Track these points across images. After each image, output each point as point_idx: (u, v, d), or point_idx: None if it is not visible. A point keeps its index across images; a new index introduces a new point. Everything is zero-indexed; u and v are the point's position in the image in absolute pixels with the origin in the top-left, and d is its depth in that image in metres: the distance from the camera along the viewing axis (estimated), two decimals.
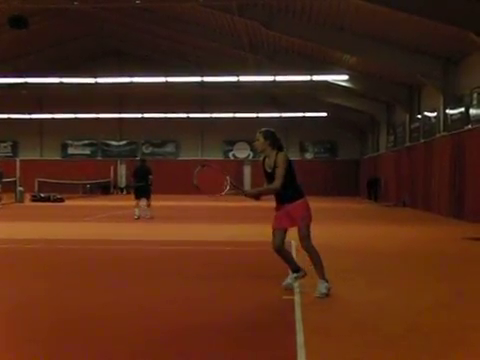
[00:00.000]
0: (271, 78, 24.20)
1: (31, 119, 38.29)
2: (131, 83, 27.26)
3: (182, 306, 5.75)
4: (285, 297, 6.02)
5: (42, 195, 28.61)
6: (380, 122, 32.13)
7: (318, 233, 13.29)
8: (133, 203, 17.40)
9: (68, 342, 4.53)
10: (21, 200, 26.94)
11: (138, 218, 16.64)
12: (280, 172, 6.08)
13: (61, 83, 27.29)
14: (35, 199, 28.14)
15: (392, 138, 28.91)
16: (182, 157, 40.81)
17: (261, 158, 6.43)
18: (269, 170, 6.20)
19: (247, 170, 40.48)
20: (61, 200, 27.96)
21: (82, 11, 26.14)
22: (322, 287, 6.07)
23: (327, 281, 6.13)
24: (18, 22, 19.71)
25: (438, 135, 20.45)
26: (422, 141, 22.85)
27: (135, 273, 7.78)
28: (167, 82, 26.17)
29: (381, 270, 8.22)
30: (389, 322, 5.18)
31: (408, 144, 25.24)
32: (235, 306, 5.72)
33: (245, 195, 6.28)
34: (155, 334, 4.72)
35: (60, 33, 31.79)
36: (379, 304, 5.92)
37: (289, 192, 6.18)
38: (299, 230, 6.21)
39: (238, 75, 24.58)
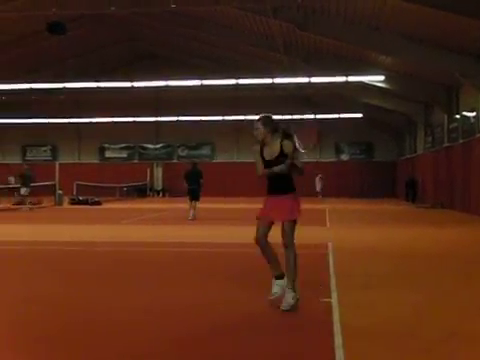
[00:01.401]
0: (306, 80, 24.09)
1: (69, 123, 39.00)
2: (167, 87, 27.49)
3: (220, 307, 5.76)
4: (322, 299, 5.98)
5: (80, 198, 29.08)
6: (417, 123, 31.67)
7: (355, 236, 13.25)
8: (186, 205, 18.20)
9: (94, 343, 4.59)
10: (60, 203, 27.44)
11: (192, 219, 17.14)
12: (297, 154, 5.74)
13: (98, 88, 27.71)
14: (73, 202, 28.63)
15: (430, 139, 28.47)
16: (217, 159, 40.97)
17: (256, 147, 5.95)
18: (269, 158, 5.79)
19: None
20: (98, 203, 28.38)
21: (118, 16, 26.51)
22: (289, 297, 5.56)
23: (295, 291, 5.61)
24: (56, 28, 20.08)
25: (477, 135, 20.06)
26: (461, 141, 22.44)
27: (171, 275, 7.83)
28: (202, 85, 26.30)
29: (420, 273, 8.09)
30: (429, 326, 5.10)
31: (446, 145, 24.81)
32: (272, 308, 5.70)
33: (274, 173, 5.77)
34: (200, 331, 4.74)
35: (97, 38, 32.30)
36: (418, 308, 5.83)
37: (285, 182, 5.81)
38: (284, 224, 5.72)
39: (273, 77, 24.55)
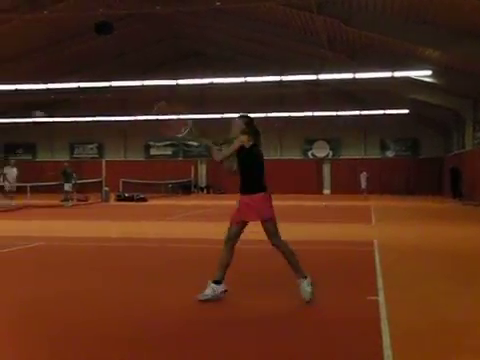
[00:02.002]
0: (351, 75, 23.82)
1: (115, 121, 39.60)
2: (211, 84, 27.61)
3: (264, 302, 5.77)
4: (369, 297, 5.91)
5: (126, 195, 29.53)
6: (465, 118, 30.92)
7: (401, 234, 13.05)
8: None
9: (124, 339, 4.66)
10: (107, 199, 27.94)
11: None
12: (232, 146, 5.98)
13: (143, 86, 28.04)
14: (119, 199, 29.08)
15: (478, 135, 27.78)
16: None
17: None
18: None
19: (326, 169, 40.12)
20: (144, 199, 28.75)
21: (163, 15, 26.76)
22: (305, 286, 5.69)
23: (306, 277, 5.72)
24: (104, 28, 20.43)
25: None
26: None
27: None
28: (246, 82, 26.30)
29: (469, 271, 7.91)
30: (479, 326, 4.99)
31: None
32: (322, 305, 5.67)
33: (207, 145, 6.43)
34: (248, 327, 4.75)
35: (142, 37, 32.70)
36: (469, 306, 5.70)
37: (248, 182, 5.88)
38: (264, 227, 5.86)
39: (317, 73, 24.36)
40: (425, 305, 5.76)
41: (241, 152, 5.89)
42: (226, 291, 5.84)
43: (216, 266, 5.89)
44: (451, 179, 31.03)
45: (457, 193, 30.08)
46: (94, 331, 4.83)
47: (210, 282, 5.80)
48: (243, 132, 5.94)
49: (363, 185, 35.30)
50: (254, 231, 6.42)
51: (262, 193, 5.82)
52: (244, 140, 5.86)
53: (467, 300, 6.00)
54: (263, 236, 5.99)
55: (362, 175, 35.75)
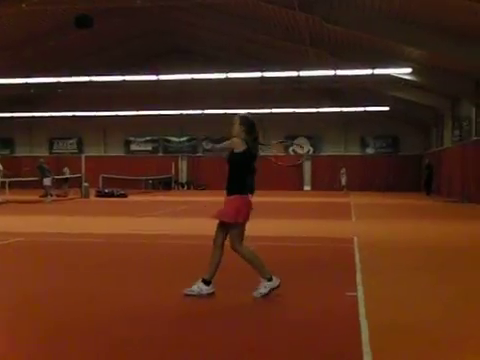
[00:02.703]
0: (332, 72, 23.92)
1: (95, 117, 39.32)
2: (192, 80, 27.53)
3: (243, 301, 5.77)
4: (348, 293, 5.94)
5: (106, 190, 29.34)
6: (444, 116, 31.25)
7: (381, 230, 13.15)
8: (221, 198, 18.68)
9: (93, 334, 4.64)
10: (86, 195, 27.74)
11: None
12: (225, 143, 6.09)
13: (124, 81, 27.86)
14: (99, 194, 28.90)
15: (457, 132, 28.07)
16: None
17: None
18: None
19: (307, 165, 40.25)
20: (124, 195, 28.60)
21: (144, 9, 26.57)
22: (262, 287, 5.76)
23: (270, 279, 5.75)
24: (84, 22, 20.22)
25: None
26: None
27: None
28: (227, 78, 26.27)
29: (448, 267, 8.00)
30: (457, 320, 5.05)
31: (474, 138, 24.44)
32: (300, 300, 5.69)
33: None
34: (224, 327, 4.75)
35: (123, 32, 32.45)
36: (448, 302, 5.76)
37: (229, 184, 5.93)
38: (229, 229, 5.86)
39: (298, 70, 24.41)
40: (403, 301, 5.80)
41: (231, 154, 5.96)
42: (213, 293, 5.81)
43: (207, 264, 5.88)
44: (427, 175, 31.40)
45: (430, 190, 30.45)
46: (73, 329, 4.79)
47: (200, 280, 5.83)
48: (238, 135, 5.99)
49: (343, 181, 35.52)
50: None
51: (238, 195, 5.85)
52: (236, 144, 5.92)
53: (445, 295, 6.07)
54: (262, 232, 5.97)
55: (341, 172, 35.97)
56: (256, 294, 5.73)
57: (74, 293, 6.08)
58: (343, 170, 36.04)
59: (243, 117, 6.11)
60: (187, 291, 5.80)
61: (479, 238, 11.77)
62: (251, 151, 5.94)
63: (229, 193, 5.88)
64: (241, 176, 5.94)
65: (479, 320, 5.06)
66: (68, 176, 30.06)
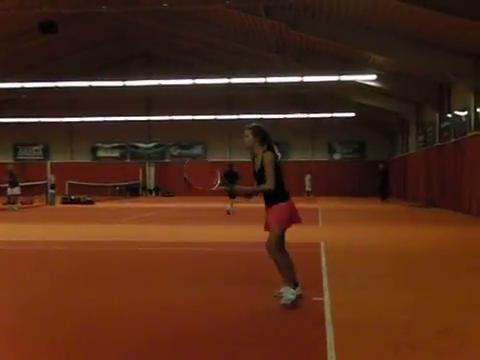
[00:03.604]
0: (298, 79, 24.11)
1: (61, 122, 38.84)
2: (159, 86, 27.43)
3: (216, 307, 5.76)
4: (315, 298, 5.99)
5: (72, 197, 29.00)
6: (409, 122, 31.78)
7: (347, 235, 13.28)
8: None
9: (65, 345, 4.59)
10: (52, 202, 27.35)
11: (233, 213, 18.91)
12: (270, 172, 5.70)
13: (90, 87, 27.61)
14: (66, 201, 28.54)
15: (422, 138, 28.57)
16: (210, 159, 40.90)
17: (251, 157, 6.04)
18: (256, 169, 5.87)
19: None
20: (91, 202, 28.30)
21: (111, 15, 26.41)
22: (288, 292, 5.69)
23: (293, 288, 5.72)
24: (48, 27, 20.00)
25: (469, 134, 20.14)
26: (452, 140, 22.53)
27: (163, 275, 7.83)
28: (194, 84, 26.26)
29: (413, 272, 8.12)
30: (420, 324, 5.13)
31: (438, 144, 24.90)
32: (264, 306, 5.71)
33: (235, 192, 6.12)
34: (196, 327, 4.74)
35: (89, 37, 32.18)
36: (410, 306, 5.85)
37: (272, 196, 5.79)
38: (269, 235, 5.79)
39: (265, 76, 24.54)
40: (369, 305, 5.87)
41: (263, 168, 5.82)
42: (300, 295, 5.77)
43: (281, 273, 5.84)
44: (381, 180, 31.88)
45: (385, 195, 30.96)
46: (40, 336, 4.71)
47: (286, 287, 5.74)
48: (252, 147, 5.89)
49: (307, 187, 35.73)
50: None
51: (281, 203, 5.79)
52: (271, 159, 5.75)
53: (408, 299, 6.16)
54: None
55: (306, 177, 36.17)
56: (284, 300, 5.64)
57: (44, 300, 5.99)
58: (308, 176, 36.26)
59: (255, 127, 5.96)
60: (285, 301, 5.64)
61: (442, 243, 11.98)
62: (277, 158, 5.86)
63: (272, 203, 5.78)
64: (282, 185, 5.83)
65: (441, 324, 5.15)
66: (50, 183, 29.59)
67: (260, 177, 5.77)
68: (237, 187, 6.12)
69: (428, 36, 18.87)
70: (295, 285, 5.77)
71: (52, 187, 28.38)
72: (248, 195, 6.24)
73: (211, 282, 7.07)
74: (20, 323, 5.19)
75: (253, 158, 5.94)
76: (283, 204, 5.76)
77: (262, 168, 5.74)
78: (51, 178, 30.36)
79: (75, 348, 4.43)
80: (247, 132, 5.89)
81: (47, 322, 5.22)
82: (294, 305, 5.63)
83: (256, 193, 6.01)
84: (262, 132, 5.90)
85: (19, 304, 5.92)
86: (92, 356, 4.25)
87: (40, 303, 5.94)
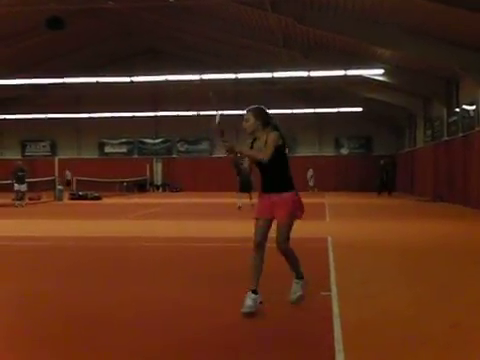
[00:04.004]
0: (305, 74, 24.04)
1: (69, 119, 38.93)
2: (166, 81, 27.43)
3: (222, 303, 5.76)
4: (323, 293, 5.99)
5: (80, 193, 29.08)
6: (417, 116, 31.64)
7: (355, 230, 13.26)
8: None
9: (75, 340, 4.60)
10: (60, 198, 27.45)
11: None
12: (270, 146, 5.21)
13: (97, 82, 27.65)
14: (73, 197, 28.62)
15: (429, 132, 28.45)
16: (216, 154, 40.91)
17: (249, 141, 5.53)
18: None
19: None
20: (98, 198, 28.37)
21: (117, 11, 26.42)
22: (298, 288, 5.54)
23: (303, 280, 5.59)
24: (55, 23, 20.06)
25: (477, 129, 20.04)
26: (460, 135, 22.42)
27: (169, 271, 7.84)
28: (201, 79, 26.24)
29: (419, 267, 8.09)
30: (429, 319, 5.11)
31: (446, 138, 24.79)
32: (272, 301, 5.71)
33: (227, 147, 5.31)
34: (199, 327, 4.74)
35: (96, 33, 32.23)
36: (419, 301, 5.83)
37: (277, 180, 5.34)
38: (279, 228, 5.31)
39: (272, 71, 24.49)
40: (376, 299, 5.86)
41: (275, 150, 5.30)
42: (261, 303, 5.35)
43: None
44: (381, 175, 31.89)
45: (389, 190, 31.03)
46: (38, 331, 4.73)
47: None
48: (255, 131, 5.40)
49: (310, 181, 35.63)
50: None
51: (292, 191, 5.38)
52: (275, 138, 5.28)
53: (416, 293, 6.14)
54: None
55: (308, 172, 36.06)
56: (296, 298, 5.51)
57: (50, 296, 6.02)
58: (310, 171, 36.17)
59: (256, 109, 5.44)
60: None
61: (450, 237, 11.93)
62: (285, 142, 5.40)
63: (284, 190, 5.32)
64: (288, 170, 5.42)
65: (450, 318, 5.13)
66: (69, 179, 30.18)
67: (261, 163, 5.31)
68: (236, 145, 5.38)
69: (436, 30, 18.74)
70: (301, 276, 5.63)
71: (68, 183, 28.59)
72: (237, 153, 5.43)
73: (218, 278, 7.07)
74: (22, 318, 5.21)
75: (252, 142, 5.46)
76: (295, 194, 5.37)
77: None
78: (68, 174, 30.68)
79: (77, 343, 4.44)
80: (248, 115, 5.41)
81: (50, 317, 5.23)
82: (302, 300, 5.57)
83: (249, 156, 5.41)
84: (264, 113, 5.42)
85: (23, 299, 5.93)
86: (95, 351, 4.26)
87: (44, 299, 5.94)
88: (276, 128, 5.39)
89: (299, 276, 5.63)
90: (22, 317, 5.26)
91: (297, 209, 5.39)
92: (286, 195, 5.32)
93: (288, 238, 5.35)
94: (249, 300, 5.19)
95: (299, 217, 5.44)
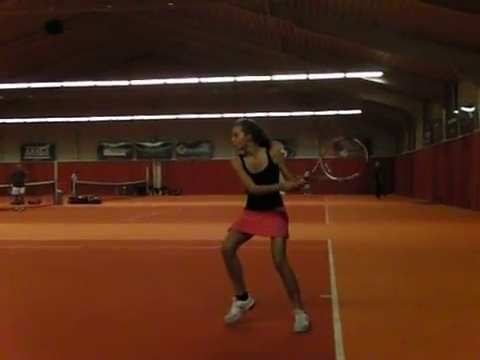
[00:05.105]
0: (304, 76, 24.08)
1: (68, 122, 38.96)
2: (165, 85, 27.47)
3: (224, 307, 5.77)
4: (322, 296, 5.99)
5: (79, 197, 29.08)
6: (416, 119, 31.68)
7: (354, 233, 13.27)
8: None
9: (77, 343, 4.60)
10: (59, 202, 27.44)
11: None
12: (288, 168, 5.04)
13: (96, 86, 27.67)
14: (73, 201, 28.62)
15: (428, 135, 28.49)
16: (216, 157, 40.94)
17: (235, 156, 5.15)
18: (253, 171, 4.96)
19: None
20: (98, 201, 28.38)
21: (115, 15, 26.48)
22: (302, 319, 4.76)
23: (305, 311, 4.85)
24: (54, 27, 20.08)
25: (476, 130, 20.07)
26: (459, 137, 22.46)
27: (169, 274, 7.84)
28: (200, 83, 26.27)
29: (419, 269, 8.10)
30: (429, 320, 5.12)
31: (445, 140, 24.82)
32: (272, 304, 5.71)
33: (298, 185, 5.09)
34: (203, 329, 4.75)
35: (95, 37, 32.26)
36: (419, 302, 5.84)
37: (271, 197, 5.00)
38: (274, 243, 4.91)
39: (271, 74, 24.52)
40: (376, 301, 5.86)
41: (272, 168, 5.02)
42: (254, 305, 5.10)
43: (233, 284, 5.12)
44: (377, 178, 32.07)
45: (383, 193, 31.28)
46: (40, 334, 4.74)
47: (236, 302, 5.05)
48: (244, 147, 5.03)
49: (306, 185, 35.59)
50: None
51: (283, 207, 5.11)
52: (282, 154, 5.11)
53: (416, 295, 6.15)
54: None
55: (304, 174, 36.04)
56: (301, 328, 4.71)
57: (52, 299, 6.02)
58: (306, 173, 36.12)
59: (246, 123, 5.07)
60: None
61: (450, 239, 11.94)
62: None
63: (276, 206, 5.03)
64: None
65: (450, 320, 5.14)
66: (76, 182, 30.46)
67: (266, 176, 4.95)
68: (275, 186, 5.03)
69: (434, 32, 18.78)
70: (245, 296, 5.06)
71: (75, 186, 28.63)
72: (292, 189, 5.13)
73: (218, 280, 7.07)
74: (24, 321, 5.21)
75: (242, 158, 5.05)
76: (283, 209, 5.07)
77: (270, 166, 4.97)
78: (74, 178, 30.69)
79: (76, 347, 4.44)
80: (236, 130, 5.01)
81: (50, 321, 5.23)
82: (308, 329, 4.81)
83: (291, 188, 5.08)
84: (254, 128, 5.03)
85: (24, 303, 5.93)
86: (97, 352, 4.27)
87: (43, 303, 5.94)
88: (267, 141, 5.05)
89: (299, 306, 4.89)
90: (23, 320, 5.26)
91: (287, 224, 5.06)
92: (279, 209, 5.04)
93: (284, 250, 4.93)
94: (234, 308, 4.99)
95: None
